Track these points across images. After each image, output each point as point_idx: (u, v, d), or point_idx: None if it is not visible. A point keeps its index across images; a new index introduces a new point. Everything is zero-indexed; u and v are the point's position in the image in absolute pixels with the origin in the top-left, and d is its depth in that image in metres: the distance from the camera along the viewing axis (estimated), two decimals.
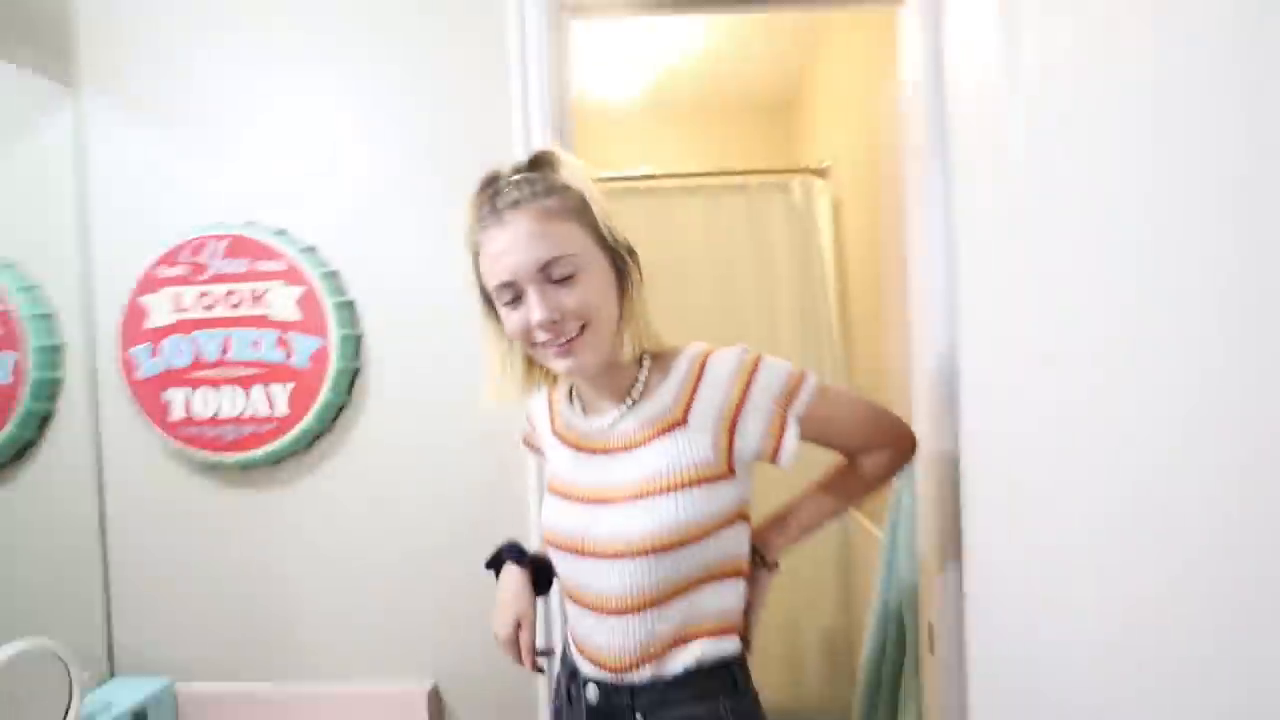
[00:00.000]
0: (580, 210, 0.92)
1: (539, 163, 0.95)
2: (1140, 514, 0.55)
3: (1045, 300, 0.67)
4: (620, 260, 0.95)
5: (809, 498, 1.09)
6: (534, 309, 0.90)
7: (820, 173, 2.50)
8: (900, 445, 1.06)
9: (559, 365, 0.94)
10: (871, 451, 1.05)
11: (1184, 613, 0.51)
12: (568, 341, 0.91)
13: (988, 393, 0.80)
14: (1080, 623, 0.63)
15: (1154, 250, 0.52)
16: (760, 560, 1.06)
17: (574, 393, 1.06)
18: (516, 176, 0.94)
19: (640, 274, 0.97)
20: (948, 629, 1.13)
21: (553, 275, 0.90)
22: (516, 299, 0.92)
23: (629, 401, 0.99)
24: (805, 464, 1.03)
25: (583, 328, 0.91)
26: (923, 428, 1.20)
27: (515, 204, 0.91)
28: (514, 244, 0.89)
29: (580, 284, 0.90)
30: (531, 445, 1.19)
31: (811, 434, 0.99)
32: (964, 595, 0.89)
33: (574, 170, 0.93)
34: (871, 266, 2.11)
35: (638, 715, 0.96)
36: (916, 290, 1.23)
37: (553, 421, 1.09)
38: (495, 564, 1.15)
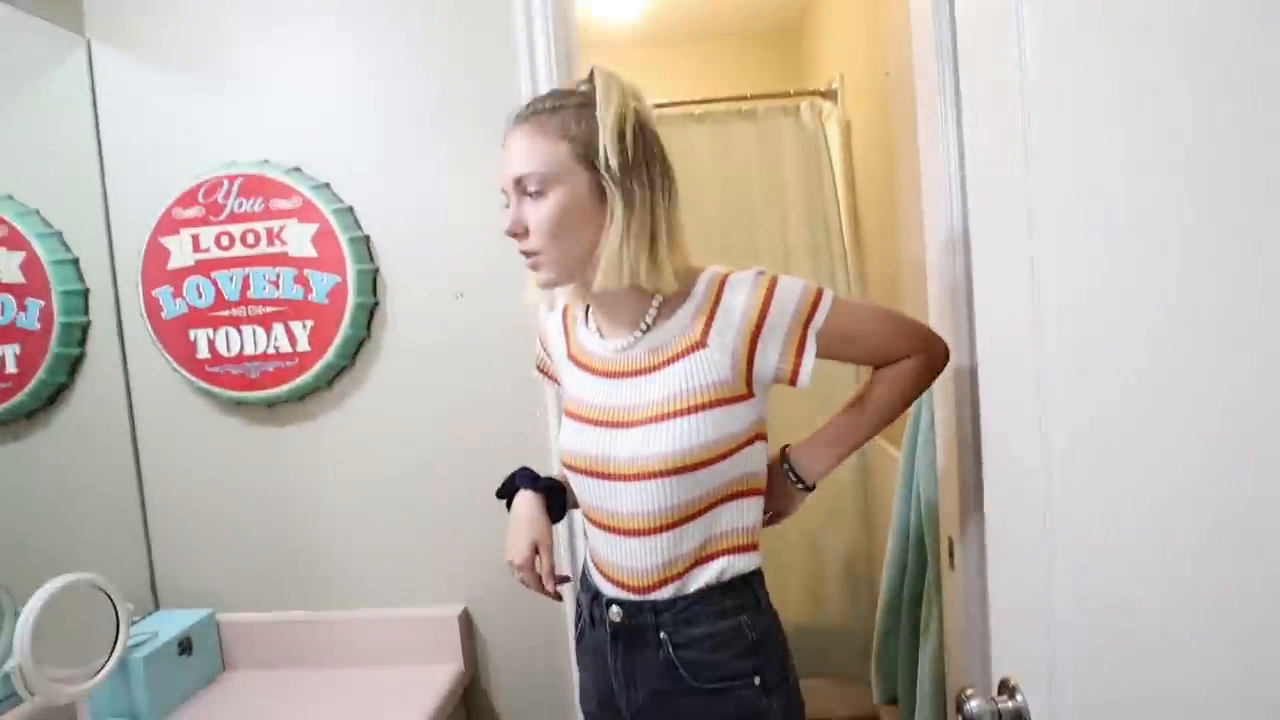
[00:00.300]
0: (579, 130, 0.92)
1: (589, 79, 0.96)
2: (1159, 418, 0.55)
3: (1059, 211, 0.67)
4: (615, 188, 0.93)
5: (846, 418, 1.06)
6: (506, 218, 0.96)
7: (828, 95, 2.44)
8: (928, 349, 1.03)
9: (533, 276, 0.99)
10: (898, 360, 1.03)
11: (1210, 513, 0.51)
12: (533, 255, 0.96)
13: (1002, 305, 0.80)
14: (1101, 532, 0.64)
15: (1171, 159, 0.52)
16: (798, 483, 1.06)
17: (589, 316, 1.07)
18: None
19: (630, 207, 0.93)
20: (968, 544, 1.15)
21: (526, 189, 0.94)
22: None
23: (643, 326, 0.99)
24: (829, 397, 1.04)
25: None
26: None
27: (523, 117, 0.95)
28: (507, 154, 0.96)
29: (546, 203, 0.93)
30: (545, 371, 1.19)
31: (834, 348, 0.98)
32: (984, 509, 0.90)
33: (602, 90, 0.92)
34: (883, 187, 2.08)
35: (662, 633, 0.98)
36: (930, 207, 1.22)
37: (568, 346, 1.10)
38: (507, 493, 1.15)
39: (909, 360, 1.03)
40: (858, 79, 2.26)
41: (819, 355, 0.96)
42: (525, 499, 1.11)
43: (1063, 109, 0.65)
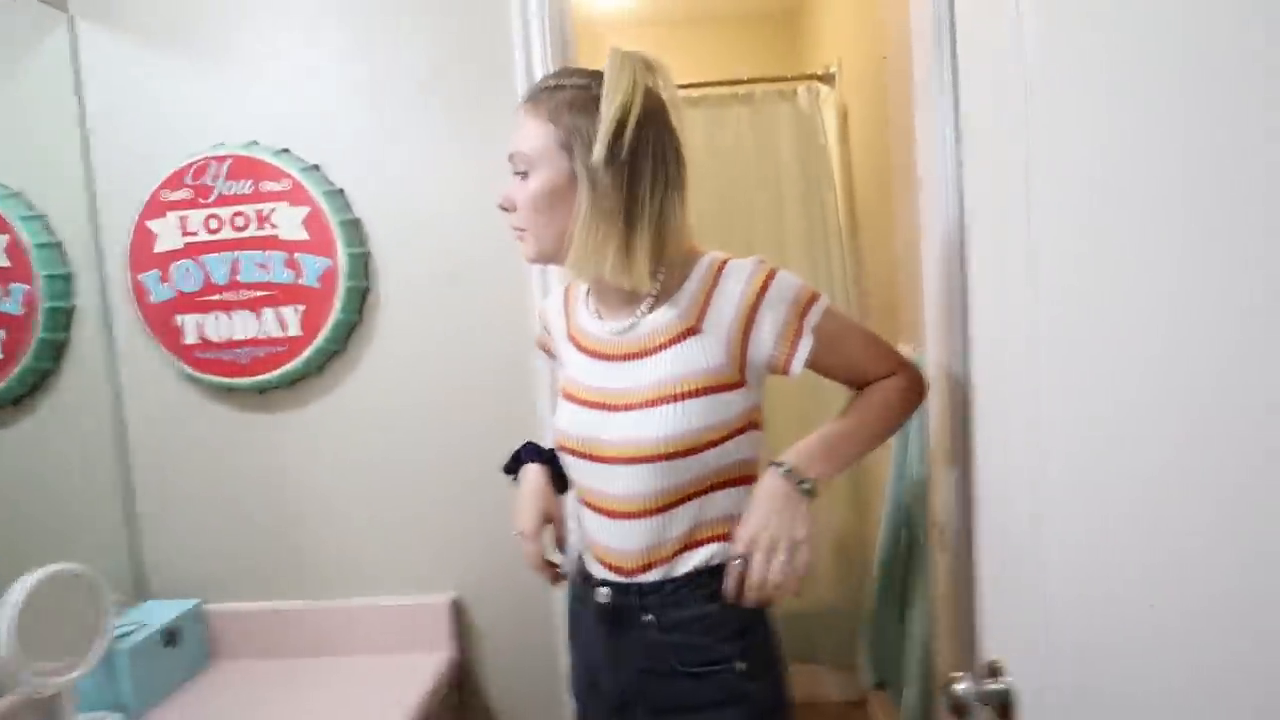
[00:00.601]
0: (568, 117, 0.92)
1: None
2: (1151, 409, 0.55)
3: (1058, 195, 0.66)
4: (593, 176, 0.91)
5: (841, 428, 1.01)
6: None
7: (826, 79, 2.43)
8: (907, 373, 1.04)
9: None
10: (882, 377, 1.03)
11: (1194, 502, 0.51)
12: (518, 230, 0.99)
13: (999, 292, 0.80)
14: (1092, 519, 0.64)
15: (1173, 140, 0.51)
16: (801, 483, 0.97)
17: (589, 297, 1.07)
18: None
19: (600, 202, 0.91)
20: (958, 529, 1.15)
21: (516, 167, 0.96)
22: None
23: (641, 309, 0.99)
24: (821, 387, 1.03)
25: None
26: (933, 332, 1.20)
27: (528, 94, 0.97)
28: (513, 130, 0.98)
29: (529, 183, 0.95)
30: (546, 349, 1.20)
31: (821, 355, 0.97)
32: (972, 496, 0.91)
33: (611, 78, 0.90)
34: (880, 173, 2.07)
35: (648, 615, 0.99)
36: (926, 191, 1.21)
37: (568, 325, 1.10)
38: (513, 468, 1.17)
39: (894, 377, 1.03)
40: (855, 63, 2.24)
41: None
42: (534, 471, 1.13)
43: (1062, 87, 0.64)
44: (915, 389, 1.04)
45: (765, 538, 0.93)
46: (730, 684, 0.98)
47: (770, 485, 0.96)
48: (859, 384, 1.04)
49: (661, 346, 0.96)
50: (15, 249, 1.35)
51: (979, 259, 0.85)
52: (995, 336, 0.81)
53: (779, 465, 0.97)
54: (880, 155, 2.04)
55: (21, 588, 1.16)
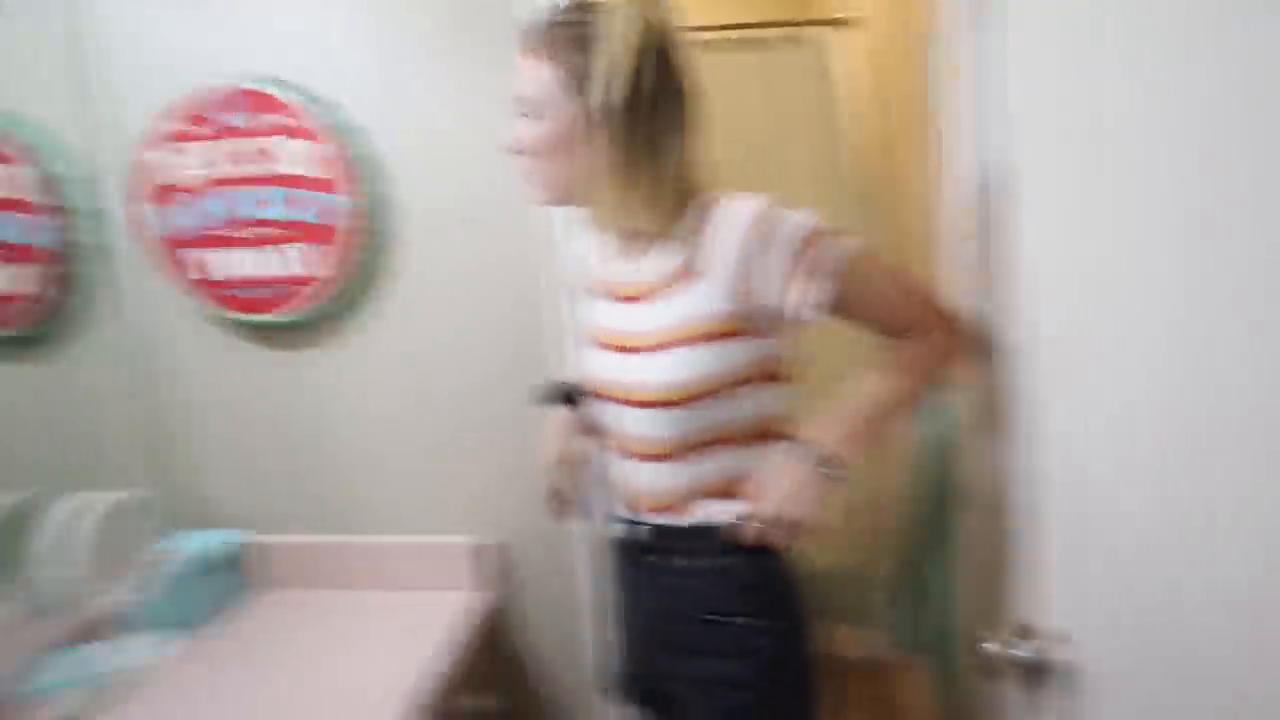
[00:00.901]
0: (573, 57, 0.88)
1: None
2: (1203, 377, 0.53)
3: (1126, 143, 0.60)
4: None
5: (882, 398, 0.96)
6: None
7: (841, 24, 2.36)
8: (950, 327, 0.97)
9: None
10: (918, 332, 0.96)
11: (1235, 452, 0.50)
12: (529, 173, 0.97)
13: (1043, 248, 0.74)
14: (1134, 495, 0.63)
15: (1232, 68, 0.47)
16: (833, 473, 0.94)
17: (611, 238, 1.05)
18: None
19: (615, 144, 0.89)
20: (992, 489, 1.14)
21: (522, 109, 0.93)
22: None
23: (651, 252, 0.97)
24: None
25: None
26: (960, 286, 1.17)
27: (528, 34, 0.93)
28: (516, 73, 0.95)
29: (537, 127, 0.93)
30: (587, 290, 1.19)
31: (843, 303, 0.91)
32: (1011, 457, 0.86)
33: (610, 17, 0.87)
34: (898, 122, 2.04)
35: (655, 558, 1.02)
36: (951, 144, 1.16)
37: (597, 266, 1.10)
38: (548, 400, 1.19)
39: (936, 334, 0.96)
40: (871, 11, 2.19)
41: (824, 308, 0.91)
42: (558, 413, 1.16)
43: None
44: (960, 346, 0.98)
45: (773, 514, 0.93)
46: (738, 636, 0.97)
47: (793, 463, 0.94)
48: (892, 336, 0.97)
49: (666, 289, 0.94)
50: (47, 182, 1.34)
51: (1027, 224, 0.81)
52: (1043, 292, 0.76)
53: (808, 444, 0.94)
54: (896, 104, 2.01)
55: (94, 514, 1.16)
